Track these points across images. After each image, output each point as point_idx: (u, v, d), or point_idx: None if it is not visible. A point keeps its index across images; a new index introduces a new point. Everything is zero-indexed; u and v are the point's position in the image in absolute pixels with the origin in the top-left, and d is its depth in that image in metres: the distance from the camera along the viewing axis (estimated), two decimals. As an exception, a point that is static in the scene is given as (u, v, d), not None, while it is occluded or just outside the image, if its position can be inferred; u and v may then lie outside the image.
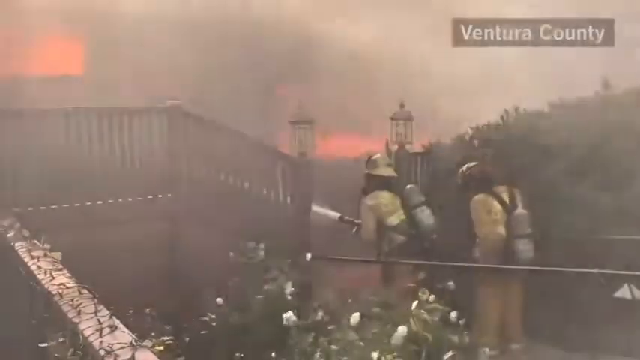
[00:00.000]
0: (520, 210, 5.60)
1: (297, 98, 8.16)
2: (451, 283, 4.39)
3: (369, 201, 6.13)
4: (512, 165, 6.19)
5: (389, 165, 6.30)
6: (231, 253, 5.78)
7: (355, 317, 4.21)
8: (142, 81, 8.84)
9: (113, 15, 8.07)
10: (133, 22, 8.29)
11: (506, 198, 5.69)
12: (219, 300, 5.30)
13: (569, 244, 5.52)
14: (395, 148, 7.74)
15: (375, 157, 6.36)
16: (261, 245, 5.79)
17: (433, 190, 6.38)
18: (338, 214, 6.51)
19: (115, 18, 8.13)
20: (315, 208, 6.75)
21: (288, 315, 4.35)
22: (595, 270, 4.19)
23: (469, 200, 5.68)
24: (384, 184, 6.19)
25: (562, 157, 6.21)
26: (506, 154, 6.37)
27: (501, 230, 5.57)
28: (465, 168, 5.87)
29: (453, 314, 4.28)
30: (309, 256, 5.29)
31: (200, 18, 8.57)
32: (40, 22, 8.24)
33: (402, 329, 3.85)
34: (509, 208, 5.63)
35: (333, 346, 3.98)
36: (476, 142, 6.71)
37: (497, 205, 5.62)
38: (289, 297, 5.11)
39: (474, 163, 5.82)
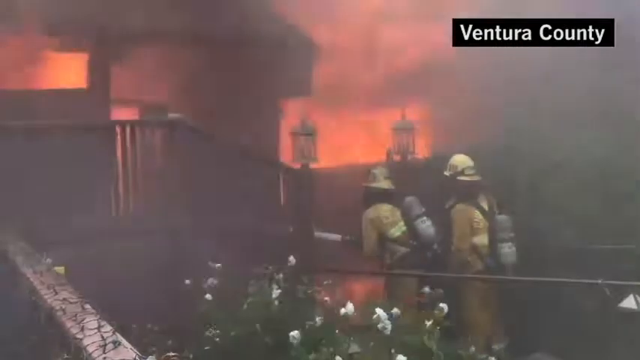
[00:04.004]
0: (502, 215, 5.74)
1: (299, 110, 8.22)
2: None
3: (369, 214, 6.16)
4: (514, 177, 6.25)
5: (387, 177, 6.33)
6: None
7: (349, 307, 4.17)
8: (144, 94, 8.90)
9: (118, 27, 8.10)
10: (140, 34, 8.35)
11: (485, 206, 5.82)
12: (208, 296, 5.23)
13: (571, 256, 5.55)
14: (397, 158, 7.77)
15: (374, 170, 6.41)
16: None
17: (435, 201, 6.39)
18: (339, 236, 6.58)
19: (120, 30, 8.17)
20: (317, 233, 6.81)
21: (295, 333, 4.30)
22: (600, 281, 4.18)
23: (449, 208, 5.82)
24: (384, 196, 6.22)
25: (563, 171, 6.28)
26: (509, 167, 6.42)
27: (483, 239, 5.70)
28: (449, 173, 5.93)
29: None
30: (292, 259, 5.24)
31: (206, 32, 8.62)
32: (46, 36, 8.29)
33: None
34: (489, 215, 5.77)
35: (338, 357, 3.94)
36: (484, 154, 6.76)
37: (478, 214, 5.77)
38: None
39: (462, 166, 5.87)
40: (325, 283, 4.80)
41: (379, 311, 3.64)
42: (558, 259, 5.57)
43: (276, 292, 4.91)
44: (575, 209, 6.00)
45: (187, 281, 5.13)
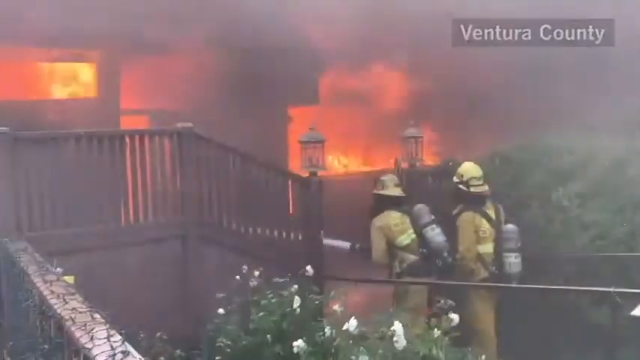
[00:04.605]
0: (510, 225, 5.74)
1: (308, 118, 8.24)
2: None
3: (378, 222, 6.15)
4: (527, 184, 6.25)
5: (397, 185, 6.32)
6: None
7: (352, 324, 4.15)
8: (152, 103, 8.96)
9: (128, 38, 8.19)
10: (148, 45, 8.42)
11: (492, 214, 5.81)
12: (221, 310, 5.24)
13: (580, 263, 5.51)
14: (404, 165, 7.75)
15: (383, 177, 6.41)
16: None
17: (444, 208, 6.37)
18: (348, 244, 6.58)
19: (131, 41, 8.26)
20: (325, 240, 6.81)
21: (299, 343, 4.29)
22: (612, 289, 4.14)
23: (456, 215, 5.82)
24: (393, 203, 6.21)
25: (576, 178, 6.26)
26: (524, 173, 6.42)
27: (489, 247, 5.69)
28: (456, 181, 5.92)
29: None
30: (309, 269, 5.23)
31: (210, 41, 8.68)
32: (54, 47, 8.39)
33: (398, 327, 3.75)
34: (495, 224, 5.76)
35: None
36: (497, 160, 6.78)
37: (485, 223, 5.76)
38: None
39: (467, 176, 5.86)
40: (332, 294, 4.79)
41: (397, 327, 3.61)
42: (570, 267, 5.53)
43: (297, 302, 4.92)
44: (588, 216, 5.96)
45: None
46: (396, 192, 6.28)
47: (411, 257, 6.06)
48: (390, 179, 6.37)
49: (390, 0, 8.93)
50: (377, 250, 6.13)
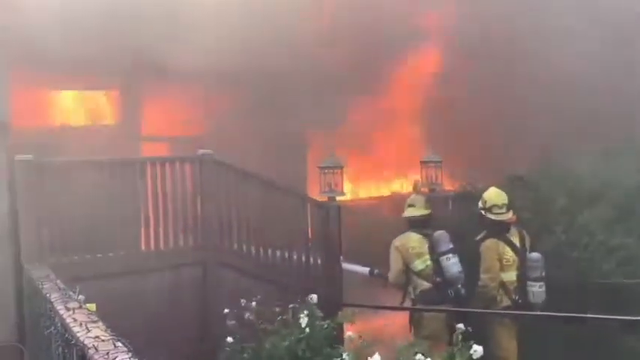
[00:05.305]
0: (535, 253, 5.63)
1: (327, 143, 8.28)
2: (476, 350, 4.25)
3: (397, 242, 6.11)
4: (551, 208, 6.16)
5: (410, 205, 6.26)
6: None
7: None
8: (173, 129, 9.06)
9: (145, 67, 8.31)
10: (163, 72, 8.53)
11: (516, 241, 5.71)
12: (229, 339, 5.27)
13: (607, 291, 5.40)
14: (424, 190, 7.70)
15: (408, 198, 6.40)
16: None
17: (463, 235, 6.28)
18: (367, 269, 6.54)
19: (146, 69, 8.38)
20: (344, 265, 6.77)
21: None
22: None
23: (479, 241, 5.74)
24: (414, 225, 6.16)
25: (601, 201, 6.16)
26: (546, 197, 6.34)
27: (512, 275, 5.59)
28: (482, 205, 5.84)
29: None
30: (314, 298, 5.21)
31: (228, 67, 8.77)
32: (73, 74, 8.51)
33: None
34: (519, 251, 5.66)
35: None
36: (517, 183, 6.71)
37: (509, 251, 5.67)
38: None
39: (490, 203, 5.78)
40: (339, 316, 4.76)
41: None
42: (596, 294, 5.41)
43: (304, 320, 4.89)
44: (613, 241, 5.85)
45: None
46: (409, 212, 6.21)
47: (425, 284, 5.94)
48: (408, 200, 6.35)
49: None
50: (393, 270, 6.06)
